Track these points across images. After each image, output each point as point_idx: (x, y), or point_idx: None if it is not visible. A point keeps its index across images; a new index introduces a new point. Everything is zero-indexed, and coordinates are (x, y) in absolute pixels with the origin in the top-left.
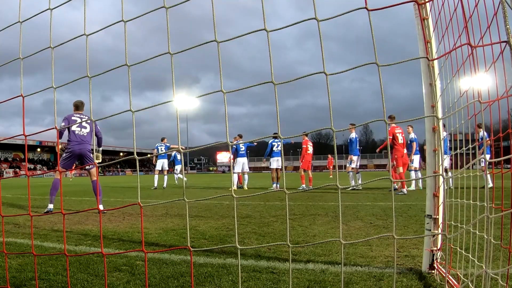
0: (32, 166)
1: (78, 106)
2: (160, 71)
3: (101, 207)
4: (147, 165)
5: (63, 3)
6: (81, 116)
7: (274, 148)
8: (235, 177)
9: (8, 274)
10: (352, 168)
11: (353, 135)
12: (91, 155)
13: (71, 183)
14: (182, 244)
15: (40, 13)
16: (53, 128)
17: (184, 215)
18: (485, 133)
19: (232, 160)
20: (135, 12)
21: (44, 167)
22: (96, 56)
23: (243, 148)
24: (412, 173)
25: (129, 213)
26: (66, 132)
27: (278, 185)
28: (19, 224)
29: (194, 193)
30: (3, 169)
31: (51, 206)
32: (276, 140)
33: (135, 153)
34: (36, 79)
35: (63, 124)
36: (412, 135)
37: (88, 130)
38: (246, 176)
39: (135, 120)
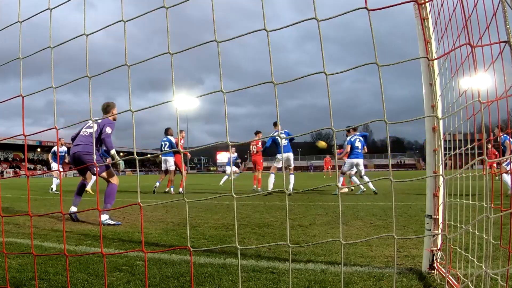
0: (32, 166)
1: (103, 111)
2: (164, 73)
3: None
4: (147, 165)
5: (62, 3)
6: (97, 118)
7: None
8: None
9: (8, 274)
10: (278, 169)
11: (285, 142)
12: (91, 157)
13: (73, 183)
14: (182, 244)
15: (39, 13)
16: (53, 128)
17: (184, 215)
18: None
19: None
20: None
21: (44, 167)
22: (100, 59)
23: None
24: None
25: (129, 213)
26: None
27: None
28: (19, 224)
29: (194, 193)
30: (3, 169)
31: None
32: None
33: (135, 153)
34: (40, 80)
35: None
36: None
37: (93, 129)
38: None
39: (136, 120)
